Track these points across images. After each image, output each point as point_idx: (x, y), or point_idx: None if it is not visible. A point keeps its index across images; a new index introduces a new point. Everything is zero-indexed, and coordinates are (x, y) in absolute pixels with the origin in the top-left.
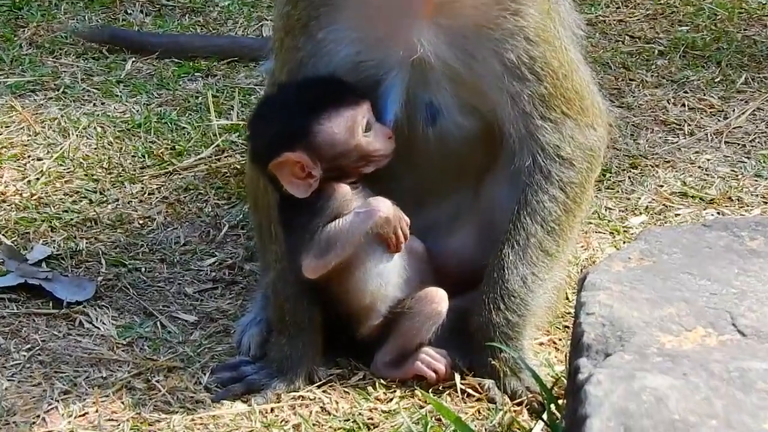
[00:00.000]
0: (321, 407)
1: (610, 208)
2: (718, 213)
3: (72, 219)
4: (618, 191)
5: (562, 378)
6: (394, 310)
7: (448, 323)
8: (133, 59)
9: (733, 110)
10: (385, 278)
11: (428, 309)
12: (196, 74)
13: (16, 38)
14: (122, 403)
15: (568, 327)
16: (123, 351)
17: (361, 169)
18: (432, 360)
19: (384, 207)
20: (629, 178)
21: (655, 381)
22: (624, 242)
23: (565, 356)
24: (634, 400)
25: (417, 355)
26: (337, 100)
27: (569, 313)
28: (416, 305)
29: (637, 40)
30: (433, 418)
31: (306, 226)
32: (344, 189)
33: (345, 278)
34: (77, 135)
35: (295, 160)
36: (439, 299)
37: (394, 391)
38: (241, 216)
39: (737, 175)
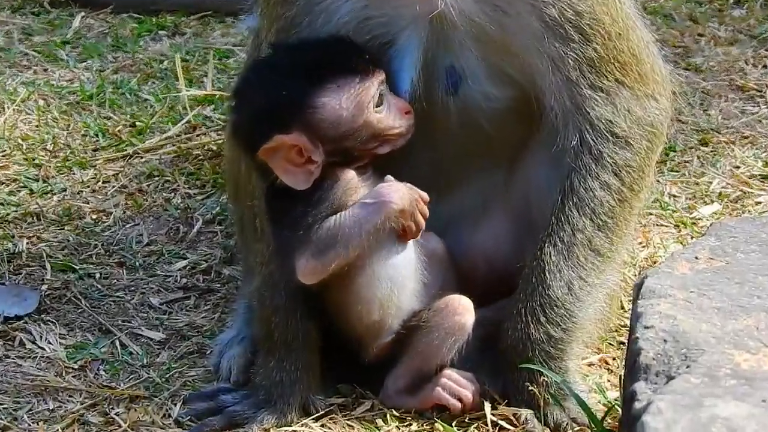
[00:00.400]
0: None
1: (674, 196)
2: None
3: (9, 214)
4: (685, 174)
5: (616, 407)
6: (409, 324)
7: (475, 340)
8: (83, 14)
9: None
10: (398, 284)
11: (450, 322)
12: (160, 32)
13: None
14: None
15: (623, 344)
16: (74, 377)
17: (373, 151)
18: (456, 385)
19: (396, 196)
20: (698, 157)
21: (728, 409)
22: (691, 237)
23: (620, 380)
24: None
25: (437, 380)
26: (342, 67)
27: (625, 326)
28: (435, 318)
29: None
30: None
31: (301, 220)
32: (349, 175)
33: (347, 284)
34: (14, 110)
35: (290, 144)
36: (463, 310)
37: (409, 425)
38: (218, 208)
39: None
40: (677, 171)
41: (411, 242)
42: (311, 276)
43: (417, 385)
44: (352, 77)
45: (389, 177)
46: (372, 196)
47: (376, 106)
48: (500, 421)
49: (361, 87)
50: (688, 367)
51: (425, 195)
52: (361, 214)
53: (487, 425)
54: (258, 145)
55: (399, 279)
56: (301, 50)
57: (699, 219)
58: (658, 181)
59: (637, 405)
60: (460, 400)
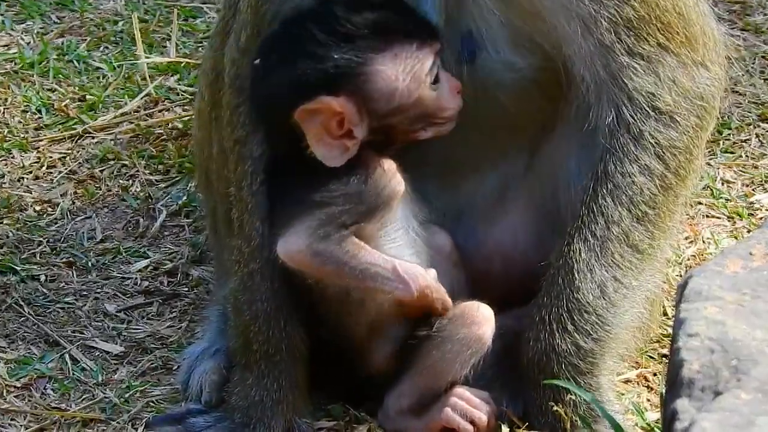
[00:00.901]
0: None
1: (728, 182)
2: None
3: None
4: (741, 156)
5: (657, 430)
6: (417, 333)
7: (491, 352)
8: None
9: None
10: None
11: (466, 333)
12: None
13: None
14: None
15: (666, 356)
16: (16, 397)
17: (415, 134)
18: (468, 405)
19: (416, 286)
20: (757, 136)
21: None
22: (748, 231)
23: (661, 397)
24: None
25: (446, 399)
26: (401, 33)
27: (668, 336)
28: (449, 327)
29: None
30: None
31: (309, 195)
32: (390, 167)
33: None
34: None
35: (334, 110)
36: (481, 319)
37: None
38: (185, 198)
39: None
40: (732, 152)
41: (413, 236)
42: (291, 259)
43: (423, 405)
44: (410, 46)
45: (438, 229)
46: (400, 268)
47: (433, 82)
48: None
49: (419, 58)
50: (738, 380)
51: (449, 302)
52: (379, 270)
53: None
54: (297, 104)
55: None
56: (359, 9)
57: (757, 209)
58: (709, 164)
59: (678, 426)
60: (472, 423)
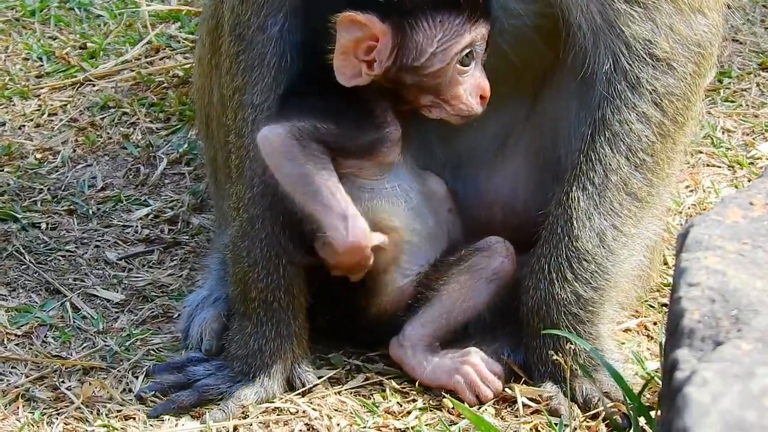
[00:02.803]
0: (306, 425)
1: (729, 130)
2: None
3: None
4: (741, 105)
5: (656, 379)
6: (439, 261)
7: (491, 301)
8: None
9: None
10: (401, 220)
11: (486, 263)
12: None
13: None
14: (18, 420)
15: (666, 306)
16: (17, 345)
17: (421, 106)
18: (479, 381)
19: (352, 237)
20: (758, 85)
21: None
22: (748, 180)
23: (660, 347)
24: (753, 408)
25: (460, 364)
26: (456, 4)
27: (668, 285)
28: (474, 257)
29: None
30: None
31: (307, 104)
32: (388, 115)
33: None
34: None
35: (375, 34)
36: (502, 251)
37: (414, 401)
38: (186, 146)
39: None
40: (732, 101)
41: (409, 182)
42: (266, 139)
43: (439, 338)
44: (455, 18)
45: (431, 174)
46: (350, 215)
47: (462, 64)
48: (522, 397)
49: (459, 34)
50: (739, 330)
51: (360, 274)
52: (329, 201)
53: (505, 402)
54: (342, 9)
55: (399, 214)
56: None
57: (758, 158)
58: (709, 113)
59: (679, 375)
60: (477, 396)
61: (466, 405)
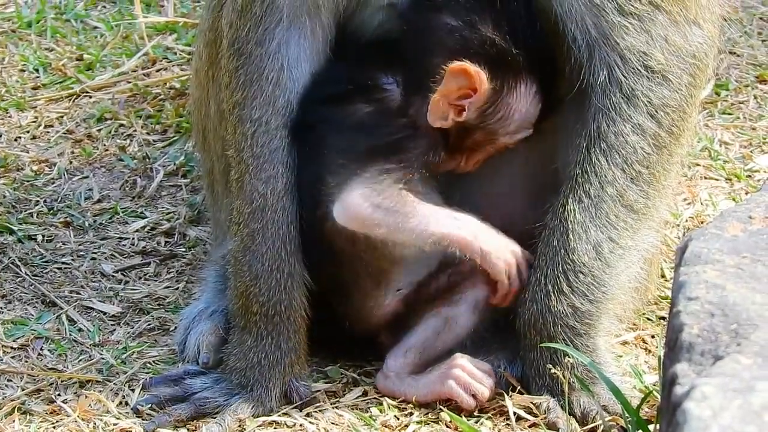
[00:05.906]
0: None
1: (726, 143)
2: None
3: None
4: (739, 118)
5: (655, 393)
6: (429, 282)
7: (488, 314)
8: None
9: None
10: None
11: (476, 294)
12: None
13: None
14: None
15: (664, 318)
16: (13, 358)
17: (477, 149)
18: (471, 379)
19: (501, 253)
20: (755, 97)
21: None
22: (746, 193)
23: (659, 361)
24: (754, 423)
25: (449, 370)
26: (536, 74)
27: (666, 298)
28: (458, 286)
29: None
30: None
31: (376, 155)
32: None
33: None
34: None
35: (478, 88)
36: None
37: (410, 414)
38: (182, 158)
39: None
40: (730, 114)
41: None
42: (355, 217)
43: (425, 363)
44: (535, 89)
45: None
46: (481, 233)
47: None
48: (518, 410)
49: (533, 105)
50: (738, 345)
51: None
52: (444, 218)
53: (503, 415)
54: (456, 56)
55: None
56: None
57: (755, 171)
58: (706, 125)
59: (679, 390)
60: (474, 396)
61: (463, 418)
